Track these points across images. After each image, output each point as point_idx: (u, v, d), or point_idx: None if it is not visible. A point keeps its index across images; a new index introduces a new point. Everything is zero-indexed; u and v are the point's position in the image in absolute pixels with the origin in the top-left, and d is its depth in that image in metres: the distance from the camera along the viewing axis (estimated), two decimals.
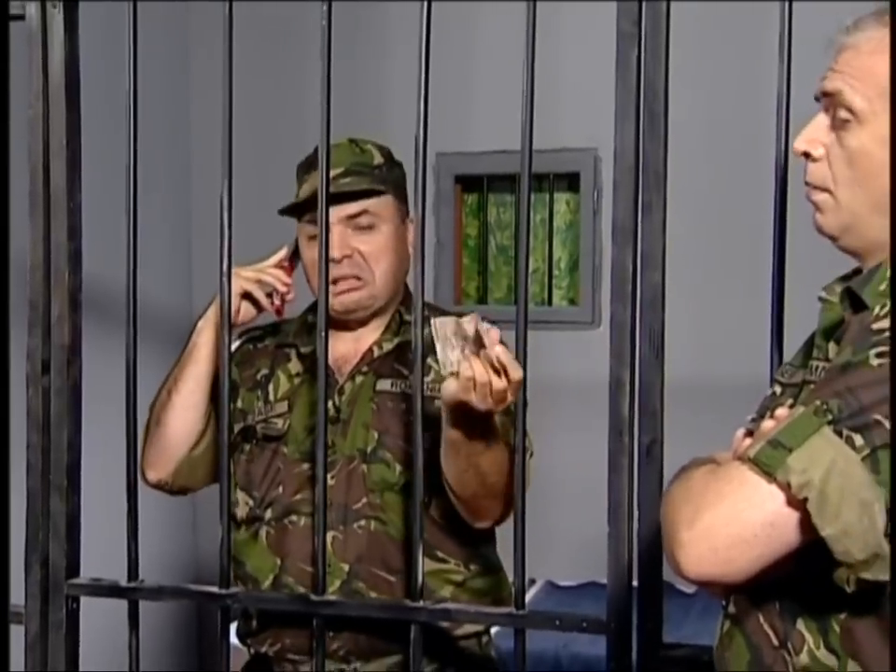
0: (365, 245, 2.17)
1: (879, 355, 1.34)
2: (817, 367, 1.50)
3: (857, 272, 1.58)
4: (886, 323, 1.37)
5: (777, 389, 1.65)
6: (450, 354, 1.78)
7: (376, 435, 2.18)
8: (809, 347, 1.61)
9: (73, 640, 2.13)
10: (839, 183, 1.49)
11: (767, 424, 1.39)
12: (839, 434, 1.31)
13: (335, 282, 2.12)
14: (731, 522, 1.34)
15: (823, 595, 1.41)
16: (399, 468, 2.16)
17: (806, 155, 1.51)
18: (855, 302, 1.49)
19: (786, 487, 1.31)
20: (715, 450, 1.70)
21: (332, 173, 2.11)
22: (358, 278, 2.17)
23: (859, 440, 1.30)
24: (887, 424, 1.31)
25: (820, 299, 1.59)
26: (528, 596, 3.79)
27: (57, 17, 2.08)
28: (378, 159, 2.22)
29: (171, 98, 4.38)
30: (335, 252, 2.09)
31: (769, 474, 1.32)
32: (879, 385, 1.32)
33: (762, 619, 1.49)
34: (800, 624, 1.45)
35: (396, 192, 2.22)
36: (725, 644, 1.56)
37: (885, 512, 1.30)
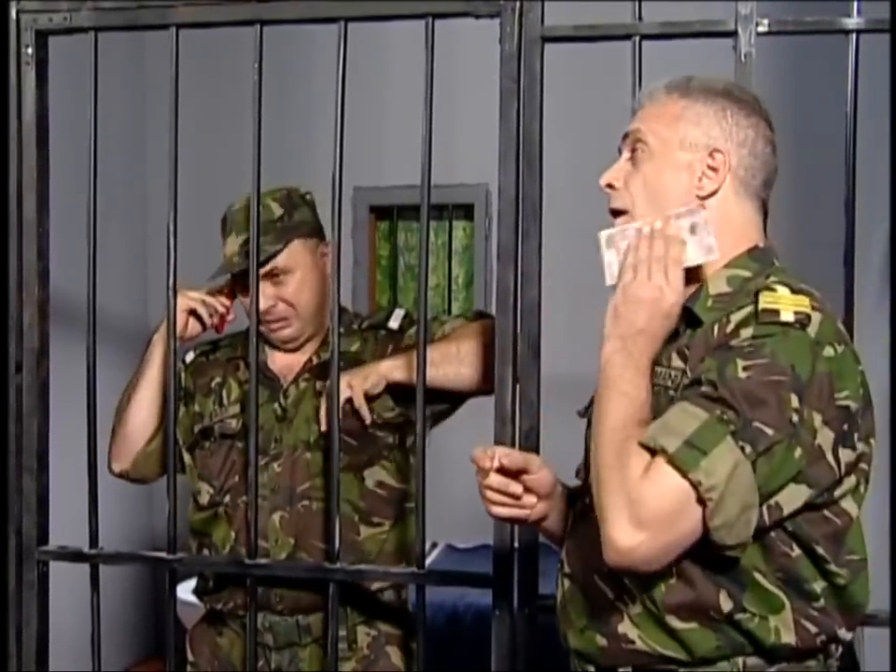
0: (284, 293, 2.14)
1: (745, 368, 1.35)
2: (659, 372, 1.49)
3: None
4: (740, 339, 1.38)
5: None
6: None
7: (317, 428, 2.14)
8: None
9: (43, 597, 2.15)
10: (636, 202, 1.55)
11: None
12: (736, 442, 1.32)
13: (269, 322, 2.13)
14: (664, 523, 1.33)
15: None
16: (339, 453, 2.13)
17: (610, 186, 1.57)
18: (689, 316, 1.51)
19: (696, 485, 1.31)
20: (581, 435, 1.71)
21: (240, 239, 2.11)
22: (286, 318, 2.15)
23: (748, 448, 1.32)
24: (766, 430, 1.33)
25: None
26: (430, 557, 3.82)
27: (30, 73, 2.09)
28: (277, 211, 2.15)
29: (129, 139, 4.34)
30: (262, 306, 2.09)
31: (683, 472, 1.32)
32: (752, 394, 1.34)
33: (596, 578, 1.50)
34: (626, 581, 1.47)
35: (301, 233, 2.15)
36: (567, 598, 1.58)
37: (757, 511, 1.34)
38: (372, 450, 2.15)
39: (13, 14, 2.07)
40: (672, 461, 1.33)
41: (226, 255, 2.16)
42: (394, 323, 2.22)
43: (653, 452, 1.34)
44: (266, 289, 2.11)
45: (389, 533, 2.17)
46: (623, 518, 1.33)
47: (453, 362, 2.06)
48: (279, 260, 2.13)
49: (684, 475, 1.32)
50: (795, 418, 1.34)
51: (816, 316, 1.40)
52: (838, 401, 1.38)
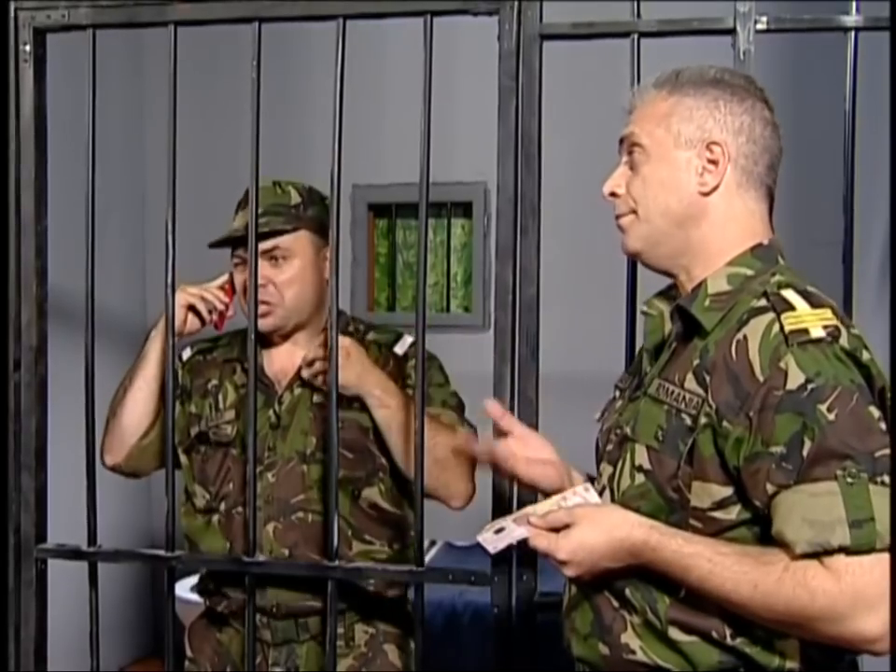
0: (277, 276, 2.13)
1: (829, 409, 1.32)
2: (671, 390, 1.47)
3: (671, 287, 1.60)
4: (794, 384, 1.34)
5: (617, 394, 1.66)
6: None
7: (314, 440, 2.13)
8: (641, 356, 1.62)
9: (41, 595, 2.14)
10: (639, 202, 1.53)
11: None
12: (877, 483, 1.30)
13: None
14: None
15: (647, 577, 1.45)
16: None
17: (613, 195, 1.57)
18: (684, 316, 1.50)
19: (887, 548, 1.29)
20: (579, 434, 1.71)
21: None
22: (270, 304, 2.12)
23: (886, 478, 1.31)
24: (884, 452, 1.32)
25: (643, 312, 1.61)
26: (429, 555, 3.82)
27: (28, 71, 2.08)
28: (295, 199, 2.16)
29: (127, 137, 4.34)
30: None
31: (871, 550, 1.29)
32: (853, 428, 1.32)
33: (602, 586, 1.50)
34: (628, 593, 1.48)
35: (312, 227, 2.15)
36: (573, 605, 1.58)
37: None
38: (370, 467, 2.13)
39: (11, 11, 2.06)
40: (854, 551, 1.29)
41: (233, 227, 2.15)
42: (399, 349, 2.20)
43: (816, 554, 1.30)
44: (261, 269, 2.08)
45: (389, 558, 2.16)
46: (854, 626, 1.29)
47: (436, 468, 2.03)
48: (284, 241, 2.13)
49: (872, 550, 1.29)
50: (884, 426, 1.34)
51: (841, 327, 1.39)
52: (888, 400, 1.39)
